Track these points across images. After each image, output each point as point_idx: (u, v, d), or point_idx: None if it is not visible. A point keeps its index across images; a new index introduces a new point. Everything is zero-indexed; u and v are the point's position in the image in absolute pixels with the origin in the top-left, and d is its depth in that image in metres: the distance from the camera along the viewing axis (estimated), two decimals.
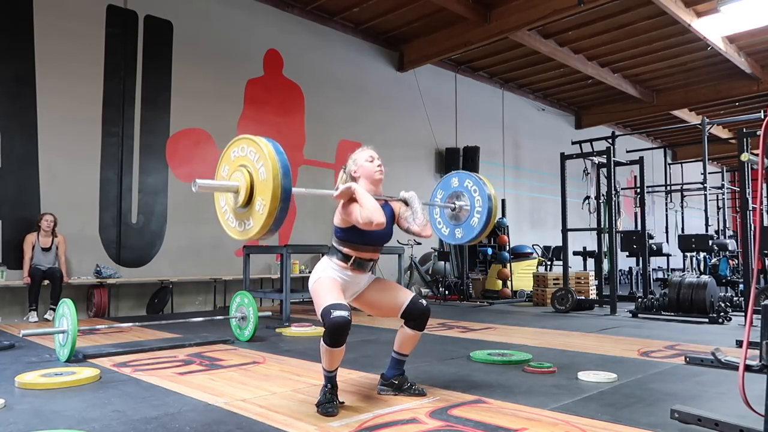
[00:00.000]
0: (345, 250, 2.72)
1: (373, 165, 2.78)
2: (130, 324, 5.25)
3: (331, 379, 2.66)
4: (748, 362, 2.01)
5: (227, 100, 8.07)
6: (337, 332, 2.49)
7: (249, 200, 2.34)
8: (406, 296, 2.82)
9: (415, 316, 2.79)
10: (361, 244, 2.71)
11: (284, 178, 2.24)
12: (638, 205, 8.45)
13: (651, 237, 9.20)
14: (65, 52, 6.68)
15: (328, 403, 2.58)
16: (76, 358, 3.89)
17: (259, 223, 2.28)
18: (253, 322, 4.75)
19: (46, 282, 6.21)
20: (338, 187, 2.67)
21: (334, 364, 2.63)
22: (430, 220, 3.11)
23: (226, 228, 2.52)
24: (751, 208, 5.55)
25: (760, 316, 2.15)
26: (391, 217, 2.84)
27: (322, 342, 2.57)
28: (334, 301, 2.54)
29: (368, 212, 2.51)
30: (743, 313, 6.43)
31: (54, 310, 5.96)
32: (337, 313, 2.47)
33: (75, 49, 6.76)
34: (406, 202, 2.82)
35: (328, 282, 2.67)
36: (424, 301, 2.84)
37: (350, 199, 2.63)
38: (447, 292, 9.19)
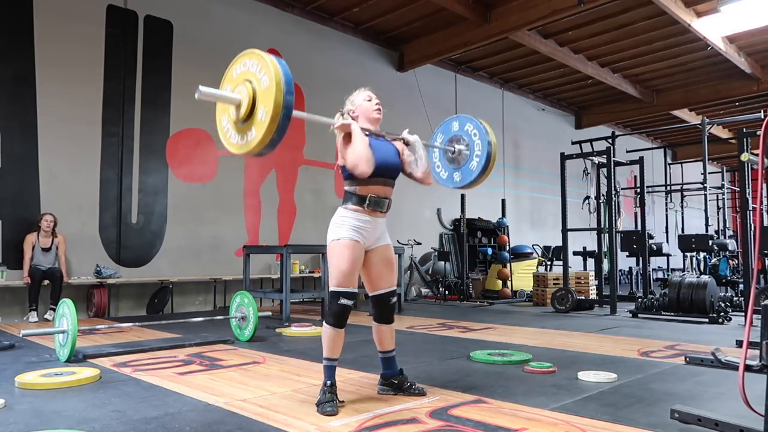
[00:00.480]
0: (357, 189, 2.70)
1: (371, 104, 2.80)
2: (130, 324, 5.25)
3: (331, 373, 2.67)
4: (748, 362, 2.01)
5: None
6: (340, 315, 2.67)
7: (251, 113, 2.33)
8: (387, 284, 2.83)
9: (377, 306, 2.83)
10: (370, 177, 2.68)
11: (287, 85, 2.22)
12: (638, 205, 8.45)
13: (651, 237, 9.20)
14: (65, 52, 6.68)
15: (328, 403, 2.58)
16: (76, 358, 3.89)
17: (261, 131, 2.26)
18: (253, 322, 4.75)
19: (46, 282, 6.21)
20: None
21: (335, 350, 2.67)
22: (431, 167, 3.10)
23: (227, 144, 2.50)
24: (751, 208, 5.56)
25: (760, 316, 2.16)
26: (396, 153, 2.85)
27: (325, 324, 2.68)
28: (344, 288, 2.63)
29: (356, 157, 2.57)
30: (743, 313, 6.43)
31: (54, 310, 5.96)
32: (343, 301, 2.65)
33: (75, 49, 6.76)
34: (407, 143, 2.85)
35: (346, 251, 2.65)
36: (394, 299, 2.86)
37: (348, 134, 2.66)
38: (447, 292, 9.19)
